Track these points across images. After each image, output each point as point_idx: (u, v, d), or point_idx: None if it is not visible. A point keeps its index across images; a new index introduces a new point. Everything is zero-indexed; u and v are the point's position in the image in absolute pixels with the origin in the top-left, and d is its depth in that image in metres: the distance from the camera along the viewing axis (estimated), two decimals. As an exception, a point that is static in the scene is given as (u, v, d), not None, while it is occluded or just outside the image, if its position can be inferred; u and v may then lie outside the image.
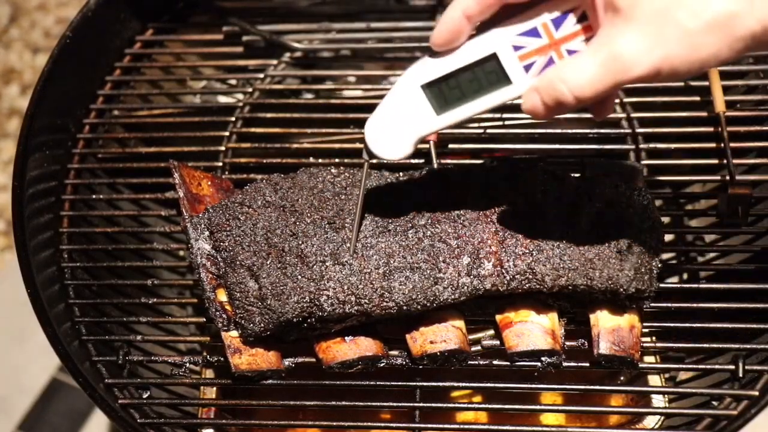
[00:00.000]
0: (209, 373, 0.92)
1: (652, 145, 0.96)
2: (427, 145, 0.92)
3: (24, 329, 1.69)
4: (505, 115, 0.99)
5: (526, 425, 0.82)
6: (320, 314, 0.78)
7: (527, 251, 0.78)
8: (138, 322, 0.94)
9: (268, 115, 1.02)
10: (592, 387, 0.84)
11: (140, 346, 0.96)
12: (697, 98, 0.98)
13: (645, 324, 0.83)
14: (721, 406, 0.81)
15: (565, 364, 0.81)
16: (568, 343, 0.82)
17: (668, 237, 0.99)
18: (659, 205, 1.04)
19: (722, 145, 0.93)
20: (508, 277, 0.78)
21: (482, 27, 0.69)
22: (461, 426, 0.81)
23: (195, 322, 1.03)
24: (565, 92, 0.63)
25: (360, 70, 1.13)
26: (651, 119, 0.98)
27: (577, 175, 0.87)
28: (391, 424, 0.91)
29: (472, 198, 0.82)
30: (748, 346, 0.83)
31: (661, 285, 0.83)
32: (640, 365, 0.81)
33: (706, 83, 0.97)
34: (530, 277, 0.78)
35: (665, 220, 1.01)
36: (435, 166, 0.91)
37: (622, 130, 0.97)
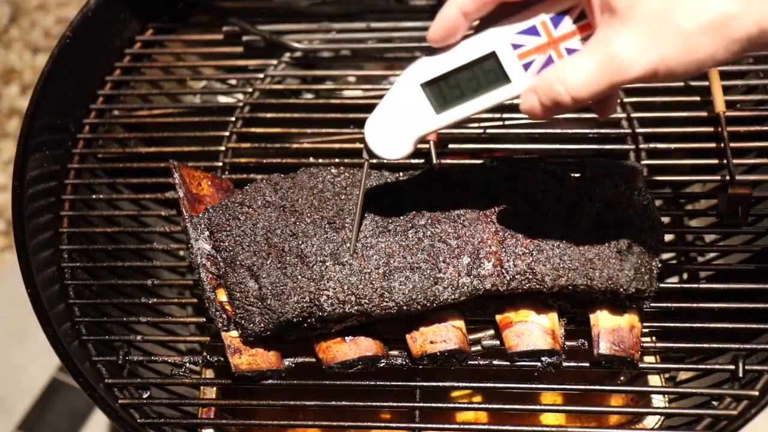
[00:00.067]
0: (209, 373, 0.92)
1: (652, 145, 0.96)
2: (427, 145, 0.92)
3: (24, 329, 1.69)
4: (505, 115, 0.99)
5: (526, 425, 0.82)
6: (320, 314, 0.78)
7: (527, 251, 0.78)
8: (138, 322, 0.94)
9: (268, 115, 1.02)
10: (592, 387, 0.84)
11: (140, 346, 0.96)
12: (697, 98, 0.98)
13: (645, 324, 0.83)
14: (721, 406, 0.81)
15: (565, 364, 0.81)
16: (568, 343, 0.82)
17: (668, 237, 0.99)
18: (659, 205, 1.04)
19: (722, 145, 0.93)
20: (508, 277, 0.78)
21: (481, 26, 0.69)
22: (461, 426, 0.81)
23: (195, 322, 1.03)
24: (562, 93, 0.63)
25: (360, 70, 1.13)
26: (651, 119, 0.98)
27: (577, 175, 0.87)
28: (391, 424, 0.92)
29: (472, 198, 0.82)
30: (748, 346, 0.83)
31: (661, 285, 0.83)
32: (640, 365, 0.81)
33: (706, 83, 0.97)
34: (530, 277, 0.78)
35: (665, 220, 1.01)
36: (435, 166, 0.91)
37: (622, 130, 0.97)
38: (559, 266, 0.78)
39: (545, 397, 1.00)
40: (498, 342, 0.83)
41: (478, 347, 0.84)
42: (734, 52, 0.59)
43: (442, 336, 0.80)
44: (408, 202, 0.82)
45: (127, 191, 1.05)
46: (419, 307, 0.78)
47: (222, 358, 0.83)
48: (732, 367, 0.82)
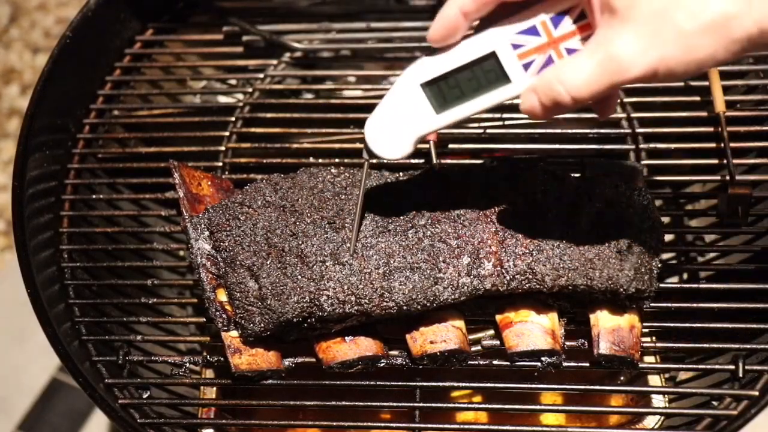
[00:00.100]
0: (209, 373, 0.92)
1: (652, 145, 0.96)
2: (427, 145, 0.92)
3: (24, 329, 1.69)
4: (505, 115, 0.99)
5: (526, 425, 0.82)
6: (320, 314, 0.78)
7: (527, 251, 0.78)
8: (138, 322, 0.94)
9: (268, 115, 1.02)
10: (592, 387, 0.84)
11: (140, 346, 0.96)
12: (697, 98, 0.98)
13: (645, 324, 0.83)
14: (721, 406, 0.81)
15: (565, 364, 0.81)
16: (568, 343, 0.82)
17: (668, 237, 0.99)
18: (659, 205, 1.04)
19: (722, 145, 0.93)
20: (508, 277, 0.78)
21: (481, 26, 0.69)
22: (461, 426, 0.81)
23: (195, 322, 1.03)
24: (562, 93, 0.63)
25: (360, 70, 1.13)
26: (651, 119, 0.98)
27: (577, 175, 0.87)
28: (391, 424, 0.91)
29: (472, 198, 0.82)
30: (748, 346, 0.83)
31: (661, 285, 0.83)
32: (640, 365, 0.81)
33: (706, 83, 0.97)
34: (530, 277, 0.78)
35: (665, 220, 1.01)
36: (435, 166, 0.91)
37: (622, 130, 0.97)
38: (559, 266, 0.78)
39: (545, 397, 1.00)
40: (498, 342, 0.83)
41: (478, 347, 0.84)
42: (734, 52, 0.59)
43: (442, 336, 0.80)
44: (408, 202, 0.82)
45: (127, 191, 1.05)
46: (419, 307, 0.78)
47: (222, 358, 0.83)
48: (732, 367, 0.82)
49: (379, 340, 0.82)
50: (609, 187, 0.83)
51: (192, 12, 1.13)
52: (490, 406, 0.87)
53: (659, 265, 0.81)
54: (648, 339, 0.88)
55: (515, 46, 0.67)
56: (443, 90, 0.70)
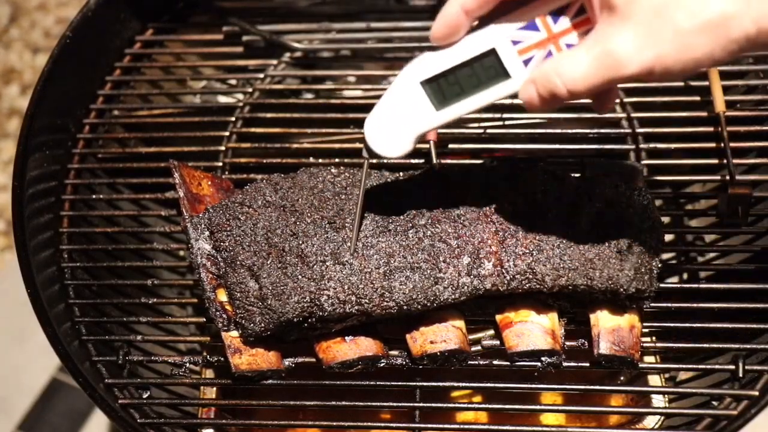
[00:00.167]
0: (209, 373, 0.92)
1: (652, 145, 0.96)
2: (427, 145, 0.92)
3: (24, 329, 1.69)
4: (505, 115, 0.99)
5: (526, 425, 0.82)
6: (321, 314, 0.78)
7: (527, 251, 0.78)
8: (138, 322, 0.94)
9: (268, 115, 1.02)
10: (592, 387, 0.84)
11: (140, 346, 0.96)
12: (697, 98, 0.98)
13: (645, 324, 0.83)
14: (721, 406, 0.81)
15: (565, 364, 0.81)
16: (568, 343, 0.82)
17: (668, 237, 0.99)
18: (659, 205, 1.04)
19: (722, 145, 0.93)
20: (508, 277, 0.78)
21: (480, 23, 0.69)
22: (461, 426, 0.81)
23: (195, 322, 1.03)
24: (559, 85, 0.63)
25: (360, 70, 1.13)
26: (651, 119, 0.98)
27: (577, 175, 0.87)
28: (391, 424, 0.92)
29: (472, 198, 0.82)
30: (748, 346, 0.83)
31: (661, 285, 0.83)
32: (640, 365, 0.81)
33: (706, 83, 0.97)
34: (530, 277, 0.78)
35: (665, 220, 1.01)
36: (435, 166, 0.91)
37: (622, 130, 0.97)
38: (559, 266, 0.78)
39: (545, 397, 1.00)
40: (498, 342, 0.83)
41: (478, 347, 0.84)
42: (732, 51, 0.59)
43: (442, 336, 0.80)
44: (408, 202, 0.82)
45: (127, 191, 1.05)
46: (419, 306, 0.78)
47: (222, 358, 0.83)
48: (732, 367, 0.82)
49: (379, 340, 0.82)
50: (609, 187, 0.83)
51: (192, 12, 1.13)
52: (490, 406, 0.87)
53: (659, 265, 0.81)
54: (648, 339, 0.88)
55: (515, 42, 0.67)
56: (443, 87, 0.70)
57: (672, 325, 0.85)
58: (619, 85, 0.99)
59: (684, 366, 0.95)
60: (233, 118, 1.03)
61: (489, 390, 0.85)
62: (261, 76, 1.07)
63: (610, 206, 0.81)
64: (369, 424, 0.87)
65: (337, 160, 0.97)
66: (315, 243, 0.80)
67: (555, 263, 0.78)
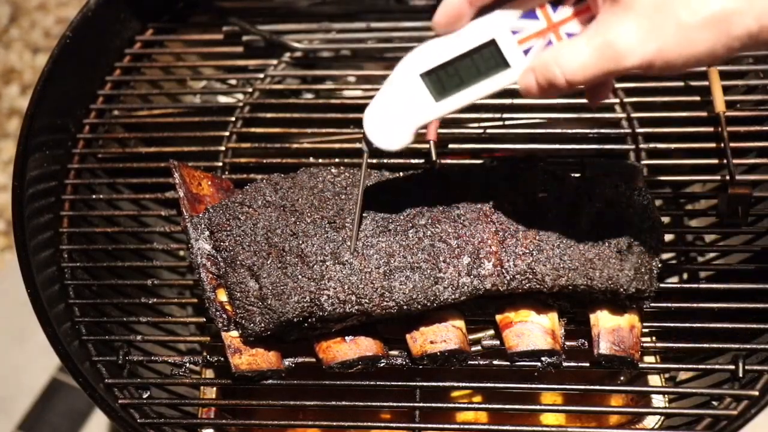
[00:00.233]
0: (209, 373, 0.92)
1: (652, 145, 0.96)
2: (427, 145, 0.92)
3: (24, 329, 1.69)
4: (505, 115, 0.99)
5: (526, 425, 0.83)
6: (321, 314, 0.78)
7: (527, 251, 0.78)
8: (138, 322, 0.94)
9: (268, 115, 1.02)
10: (592, 387, 0.84)
11: (140, 346, 0.96)
12: (697, 98, 0.98)
13: (645, 324, 0.83)
14: (721, 406, 0.81)
15: (565, 364, 0.81)
16: (568, 343, 0.82)
17: (668, 237, 0.99)
18: (659, 205, 1.04)
19: (722, 145, 0.93)
20: (508, 277, 0.78)
21: (480, 13, 0.69)
22: (461, 426, 0.81)
23: (195, 322, 1.03)
24: (557, 74, 0.63)
25: (360, 70, 1.13)
26: (651, 119, 0.98)
27: (577, 175, 0.87)
28: (391, 424, 0.92)
29: (472, 198, 0.82)
30: (748, 346, 0.83)
31: (661, 285, 0.83)
32: (640, 365, 0.81)
33: (706, 83, 0.97)
34: (530, 277, 0.78)
35: (665, 220, 1.01)
36: (435, 166, 0.91)
37: (622, 130, 0.97)
38: (559, 266, 0.78)
39: (545, 397, 1.00)
40: (498, 342, 0.83)
41: (478, 347, 0.84)
42: (733, 48, 0.59)
43: (442, 336, 0.80)
44: (408, 201, 0.82)
45: (127, 191, 1.05)
46: (419, 306, 0.78)
47: (222, 358, 0.83)
48: (732, 367, 0.82)
49: (379, 340, 0.82)
50: (609, 187, 0.83)
51: (192, 12, 1.14)
52: (490, 406, 0.87)
53: (659, 265, 0.81)
54: (648, 339, 0.88)
55: (515, 32, 0.67)
56: (442, 78, 0.70)
57: (672, 325, 0.85)
58: (619, 85, 1.00)
59: (684, 366, 0.95)
60: (233, 118, 1.03)
61: (489, 390, 0.85)
62: (261, 76, 1.07)
63: (610, 206, 0.81)
64: (369, 424, 0.87)
65: (337, 160, 0.97)
66: (315, 243, 0.80)
67: (555, 263, 0.78)
